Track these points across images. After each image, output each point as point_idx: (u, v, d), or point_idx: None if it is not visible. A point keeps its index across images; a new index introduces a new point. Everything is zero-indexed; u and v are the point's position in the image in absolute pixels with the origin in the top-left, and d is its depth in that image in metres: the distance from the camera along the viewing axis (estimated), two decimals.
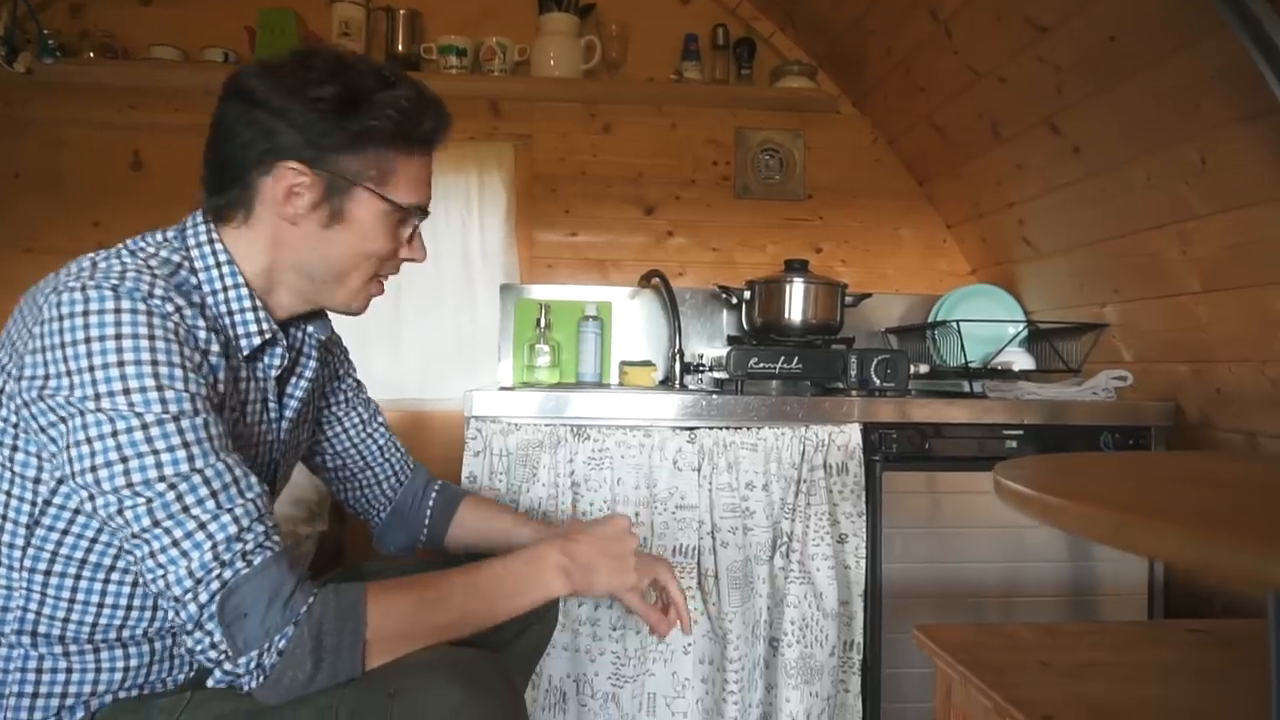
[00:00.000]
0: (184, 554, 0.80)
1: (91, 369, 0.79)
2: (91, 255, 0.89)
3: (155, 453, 0.80)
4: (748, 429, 1.63)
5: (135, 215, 2.15)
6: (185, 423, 0.82)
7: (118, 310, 0.82)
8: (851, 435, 1.66)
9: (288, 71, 0.94)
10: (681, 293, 2.22)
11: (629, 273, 2.23)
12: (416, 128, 0.99)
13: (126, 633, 0.93)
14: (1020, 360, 1.94)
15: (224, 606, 0.81)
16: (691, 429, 1.64)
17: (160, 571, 0.81)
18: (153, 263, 0.90)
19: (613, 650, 1.55)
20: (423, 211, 1.04)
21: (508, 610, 1.01)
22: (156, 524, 0.80)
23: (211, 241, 0.95)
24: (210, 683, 0.85)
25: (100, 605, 0.91)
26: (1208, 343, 1.60)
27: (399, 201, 1.00)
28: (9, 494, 0.87)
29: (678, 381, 2.07)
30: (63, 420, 0.81)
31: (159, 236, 0.95)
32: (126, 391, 0.80)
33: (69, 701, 0.91)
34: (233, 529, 0.82)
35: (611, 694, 1.55)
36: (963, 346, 1.89)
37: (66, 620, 0.90)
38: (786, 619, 1.59)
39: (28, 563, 0.88)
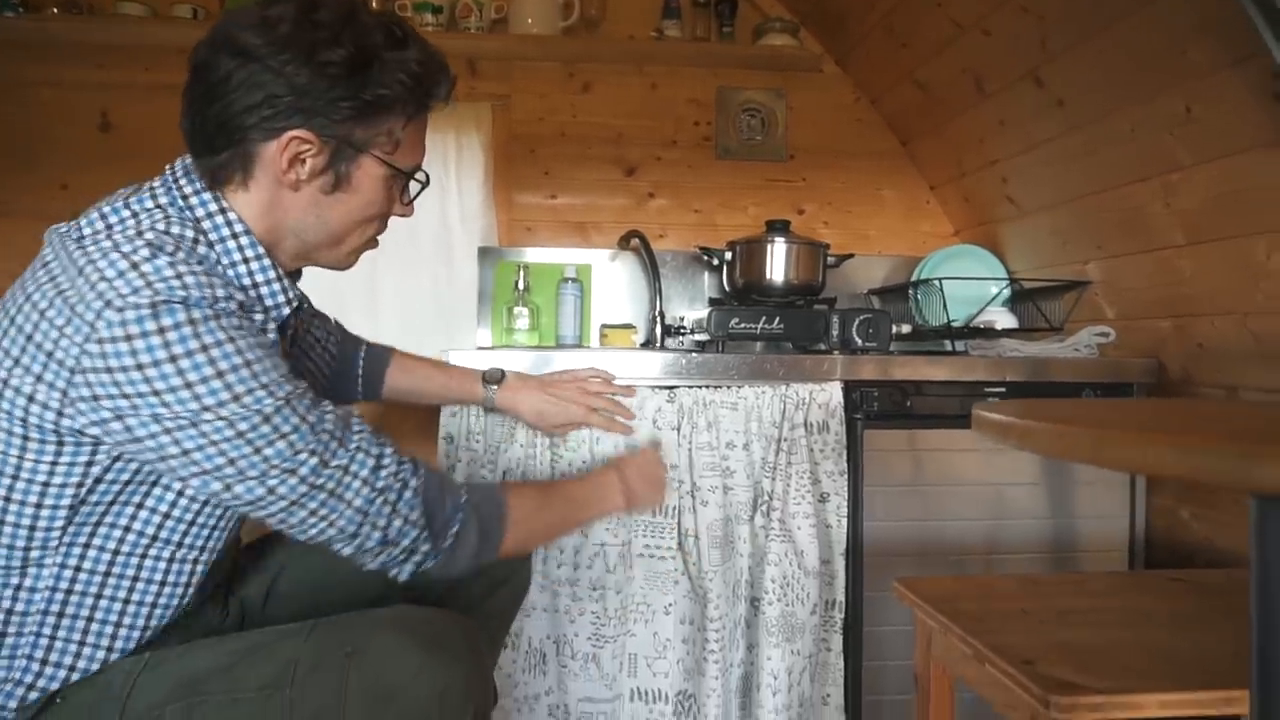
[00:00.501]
0: (346, 501, 0.89)
1: (189, 385, 0.80)
2: (116, 247, 0.83)
3: (284, 435, 0.85)
4: (728, 387, 1.61)
5: (104, 177, 2.07)
6: (294, 401, 0.87)
7: (192, 322, 0.81)
8: (833, 393, 1.64)
9: (291, 26, 0.88)
10: (662, 255, 2.20)
11: (609, 235, 2.20)
12: (427, 94, 0.97)
13: (158, 610, 0.94)
14: (1003, 320, 1.92)
15: (416, 511, 0.94)
16: (671, 388, 1.62)
17: (323, 524, 0.89)
18: (182, 251, 0.85)
19: (592, 610, 1.54)
20: (424, 174, 1.04)
21: (583, 519, 1.31)
22: (313, 487, 0.87)
23: (224, 211, 0.91)
24: (403, 577, 0.97)
25: (135, 579, 0.92)
26: (1190, 297, 1.58)
27: (402, 167, 0.99)
28: (45, 484, 0.85)
29: (659, 344, 2.04)
30: (166, 431, 0.82)
31: (147, 202, 0.89)
32: (237, 398, 0.82)
33: (59, 671, 0.90)
34: (370, 461, 0.91)
35: (592, 654, 1.54)
36: (945, 305, 1.87)
37: (99, 596, 0.90)
38: (767, 577, 1.57)
39: (66, 538, 0.88)
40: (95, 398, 0.80)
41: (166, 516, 0.91)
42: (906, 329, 1.99)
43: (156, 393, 0.79)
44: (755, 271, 1.99)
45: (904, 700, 1.66)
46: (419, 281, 2.21)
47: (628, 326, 2.10)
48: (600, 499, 1.28)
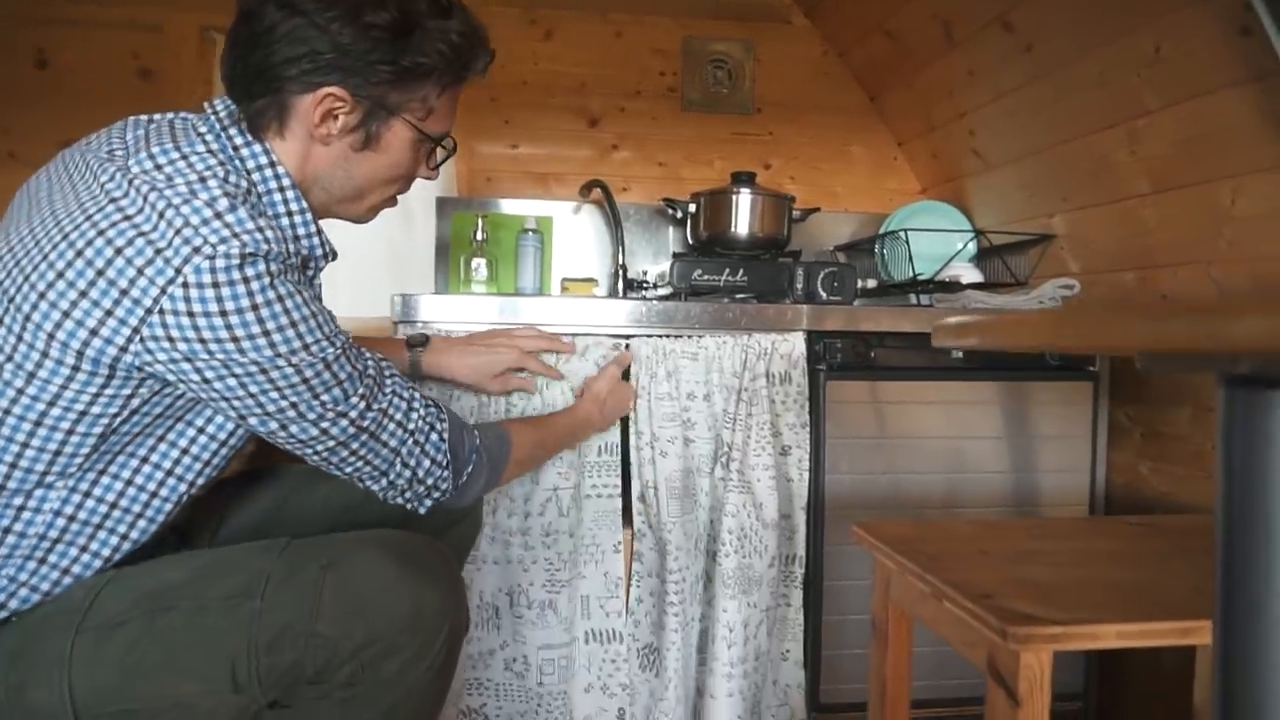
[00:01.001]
0: (383, 442, 0.96)
1: (266, 333, 0.83)
2: (194, 194, 0.83)
3: (340, 382, 0.90)
4: (688, 337, 1.57)
5: (44, 119, 2.01)
6: (348, 349, 0.92)
7: (271, 274, 0.83)
8: (795, 344, 1.61)
9: None
10: (626, 208, 2.15)
11: (572, 187, 2.14)
12: (464, 66, 0.99)
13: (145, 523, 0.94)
14: (968, 275, 1.90)
15: (442, 452, 1.02)
16: (629, 337, 1.58)
17: (360, 462, 0.96)
18: (249, 204, 0.86)
19: (545, 557, 1.50)
20: (451, 140, 1.05)
21: (569, 445, 1.47)
22: (359, 429, 0.93)
23: (273, 165, 0.93)
24: (422, 510, 1.05)
25: (139, 515, 0.92)
26: (1154, 248, 1.57)
27: (432, 133, 1.00)
28: (83, 413, 0.84)
29: (621, 297, 2.00)
30: (235, 375, 0.84)
31: (199, 147, 0.88)
32: (306, 346, 0.86)
33: (33, 595, 0.89)
34: (403, 404, 0.98)
35: (548, 601, 1.51)
36: (911, 259, 1.85)
37: (99, 527, 0.90)
38: (724, 528, 1.55)
39: (86, 464, 0.87)
40: (170, 339, 0.81)
41: (184, 452, 0.92)
42: (872, 284, 1.96)
43: (235, 339, 0.82)
44: (720, 224, 1.95)
45: (864, 655, 1.64)
46: (374, 232, 2.13)
47: (589, 280, 2.05)
48: (584, 426, 1.43)
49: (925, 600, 1.00)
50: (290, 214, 0.94)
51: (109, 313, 0.80)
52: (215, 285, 0.80)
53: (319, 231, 0.98)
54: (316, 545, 0.90)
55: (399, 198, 1.10)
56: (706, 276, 1.85)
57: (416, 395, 1.01)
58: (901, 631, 1.13)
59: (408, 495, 1.02)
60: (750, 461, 1.57)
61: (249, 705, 0.84)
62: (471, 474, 1.07)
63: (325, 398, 0.89)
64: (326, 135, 0.94)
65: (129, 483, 0.90)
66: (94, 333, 0.80)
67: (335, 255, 1.02)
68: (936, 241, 1.94)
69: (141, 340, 0.81)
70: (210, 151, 0.88)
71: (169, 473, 0.92)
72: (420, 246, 2.14)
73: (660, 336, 1.57)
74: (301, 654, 0.83)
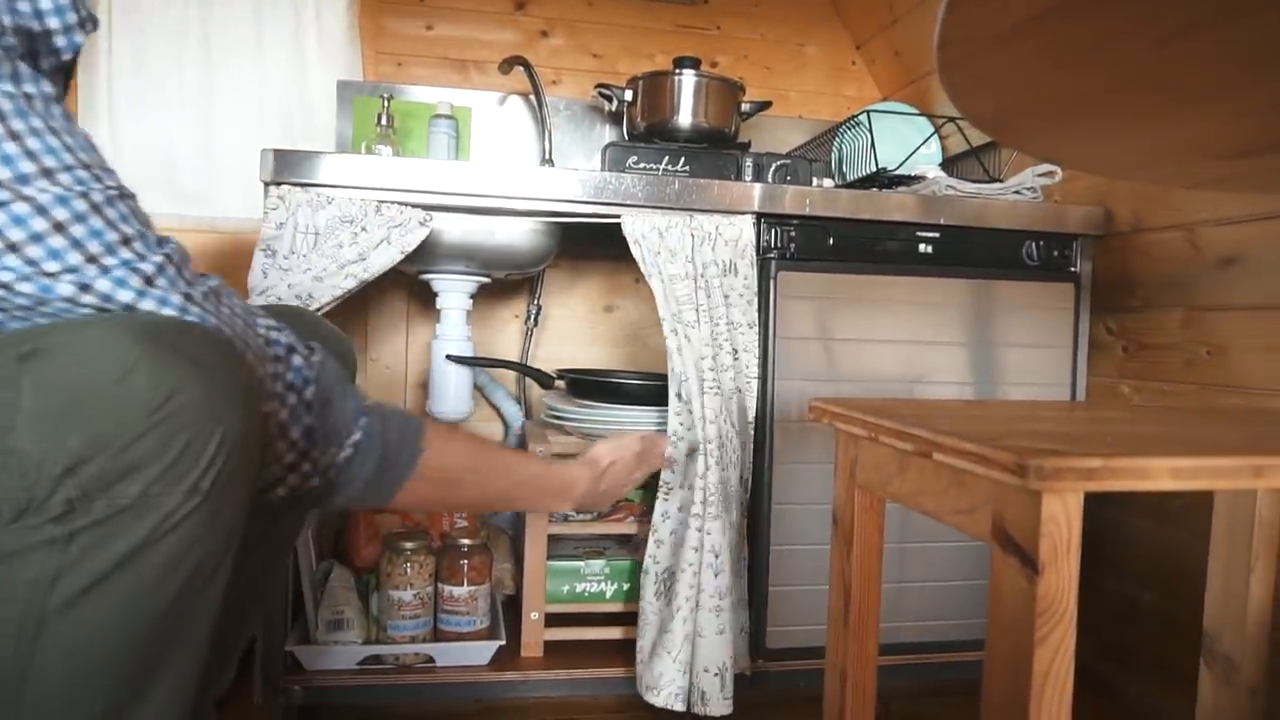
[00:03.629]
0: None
1: None
2: None
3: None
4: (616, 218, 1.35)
5: None
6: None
7: None
8: (743, 228, 1.39)
9: None
10: (555, 102, 1.91)
11: (495, 77, 1.89)
12: None
13: None
14: (934, 174, 1.70)
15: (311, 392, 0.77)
16: (556, 215, 1.34)
17: None
18: None
19: None
20: None
21: (520, 507, 1.20)
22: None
23: None
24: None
25: None
26: None
27: None
28: None
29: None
30: None
31: None
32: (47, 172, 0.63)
33: None
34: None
35: None
36: (874, 146, 1.64)
37: None
38: (704, 436, 1.34)
39: None
40: None
41: None
42: (829, 183, 1.75)
43: None
44: (660, 111, 1.72)
45: (819, 592, 1.44)
46: (266, 121, 1.86)
47: None
48: (551, 502, 1.05)
49: (905, 468, 0.79)
50: None
51: None
52: None
53: None
54: (18, 334, 0.60)
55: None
56: (643, 164, 1.62)
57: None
58: (869, 525, 0.92)
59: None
60: (722, 361, 1.37)
61: None
62: (359, 445, 0.79)
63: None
64: None
65: None
66: None
67: (95, 22, 0.72)
68: (899, 143, 1.74)
69: None
70: None
71: None
72: (319, 137, 1.86)
73: (593, 219, 1.34)
74: None
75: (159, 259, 0.65)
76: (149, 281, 0.64)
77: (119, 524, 0.57)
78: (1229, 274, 1.31)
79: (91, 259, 0.62)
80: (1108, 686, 1.50)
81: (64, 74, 0.74)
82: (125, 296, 0.63)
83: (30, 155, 0.60)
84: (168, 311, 0.65)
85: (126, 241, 0.64)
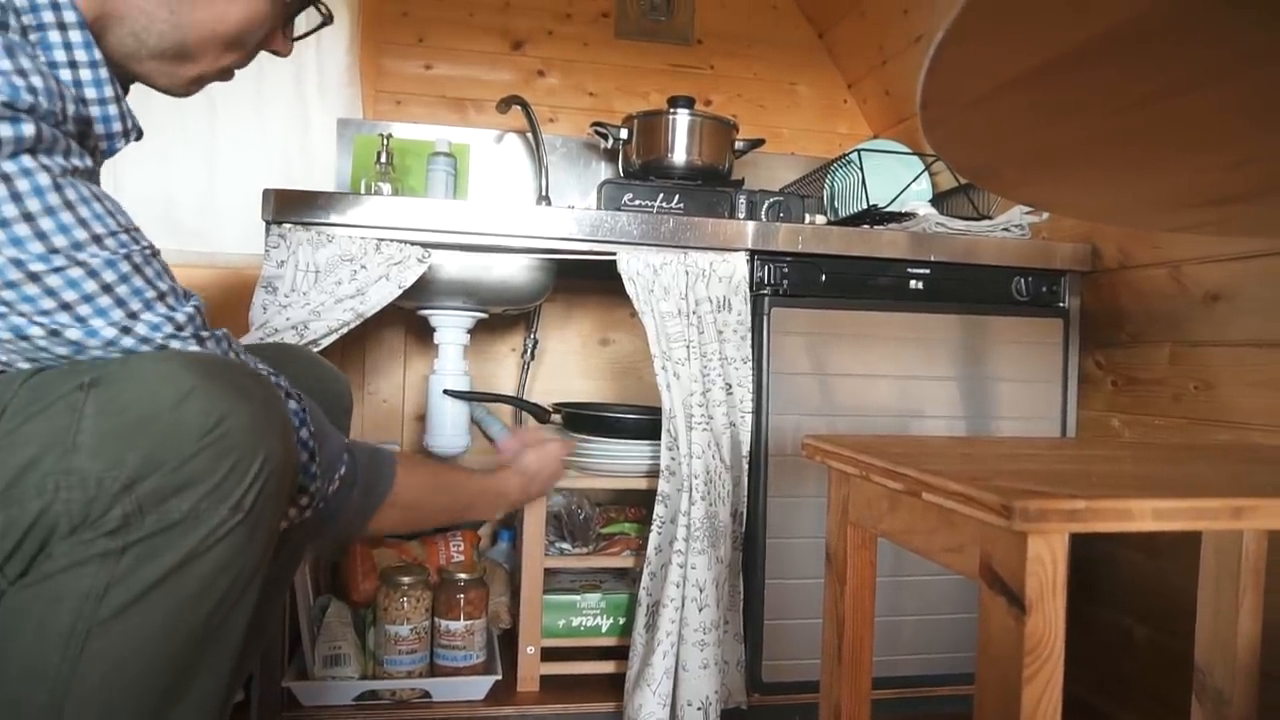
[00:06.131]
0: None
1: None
2: None
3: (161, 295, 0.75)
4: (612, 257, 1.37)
5: None
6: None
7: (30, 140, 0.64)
8: (736, 265, 1.41)
9: None
10: (552, 140, 1.94)
11: (493, 116, 1.93)
12: None
13: None
14: (924, 211, 1.73)
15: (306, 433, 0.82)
16: (552, 253, 1.37)
17: None
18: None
19: None
20: (326, 8, 0.87)
21: (467, 519, 1.33)
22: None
23: None
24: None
25: None
26: None
27: None
28: None
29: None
30: None
31: None
32: (97, 239, 0.69)
33: None
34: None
35: None
36: (864, 183, 1.67)
37: None
38: (691, 471, 1.35)
39: None
40: None
41: None
42: (821, 219, 1.78)
43: None
44: (655, 149, 1.75)
45: (814, 625, 1.44)
46: (268, 159, 1.89)
47: None
48: (500, 497, 1.19)
49: (895, 506, 0.80)
50: (74, 64, 0.69)
51: None
52: None
53: (118, 98, 0.73)
54: (80, 366, 0.66)
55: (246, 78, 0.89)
56: (638, 201, 1.65)
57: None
58: (862, 561, 0.93)
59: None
60: (714, 396, 1.39)
61: None
62: (344, 478, 0.86)
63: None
64: None
65: None
66: None
67: (140, 133, 0.79)
68: (890, 179, 1.77)
69: None
70: None
71: None
72: (319, 175, 1.89)
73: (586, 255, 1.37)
74: (51, 499, 0.59)
75: (190, 309, 0.72)
76: (179, 328, 0.70)
77: (169, 538, 0.61)
78: (1214, 310, 1.33)
79: (133, 315, 0.67)
80: (1100, 719, 1.50)
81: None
82: (159, 338, 0.69)
83: (83, 223, 0.65)
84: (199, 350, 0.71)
85: (162, 297, 0.70)
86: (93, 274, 0.65)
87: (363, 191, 1.78)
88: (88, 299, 0.65)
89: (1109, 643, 1.50)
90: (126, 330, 0.67)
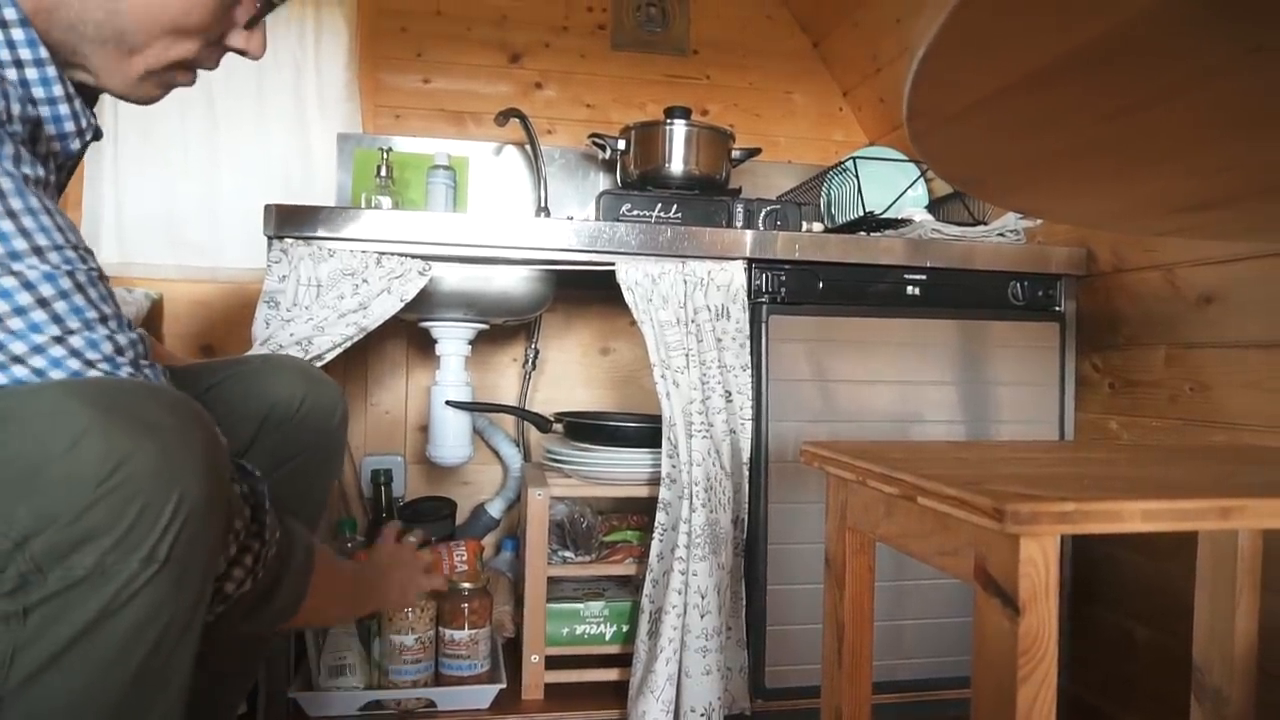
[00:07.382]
0: None
1: None
2: None
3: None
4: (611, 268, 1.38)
5: None
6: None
7: None
8: (734, 273, 1.43)
9: None
10: (550, 152, 1.96)
11: (491, 127, 1.94)
12: None
13: None
14: (920, 218, 1.75)
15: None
16: (552, 264, 1.38)
17: None
18: None
19: None
20: None
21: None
22: None
23: None
24: None
25: None
26: None
27: None
28: None
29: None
30: None
31: None
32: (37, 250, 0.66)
33: None
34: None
35: None
36: (860, 191, 1.68)
37: None
38: (692, 478, 1.36)
39: None
40: None
41: None
42: (818, 227, 1.80)
43: None
44: (653, 159, 1.76)
45: (816, 630, 1.45)
46: (269, 174, 1.91)
47: None
48: (359, 608, 1.20)
49: (892, 510, 0.81)
50: (20, 63, 0.66)
51: None
52: None
53: (70, 96, 0.70)
54: None
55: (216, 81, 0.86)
56: (636, 211, 1.67)
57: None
58: (861, 566, 0.94)
59: None
60: (714, 404, 1.40)
61: None
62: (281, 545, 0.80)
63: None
64: None
65: None
66: None
67: (99, 134, 0.76)
68: (886, 186, 1.78)
69: None
70: None
71: None
72: (320, 189, 1.91)
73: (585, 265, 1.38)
74: None
75: (133, 336, 0.68)
76: (119, 351, 0.66)
77: (76, 595, 0.55)
78: (1208, 312, 1.34)
79: (70, 332, 0.64)
80: (1102, 719, 1.51)
81: (68, 172, 0.77)
82: (97, 358, 0.65)
83: (24, 233, 0.62)
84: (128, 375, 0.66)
85: (104, 319, 0.66)
86: (28, 286, 0.62)
87: (363, 205, 1.79)
88: (19, 311, 0.61)
89: (1110, 643, 1.50)
90: (59, 340, 0.63)
